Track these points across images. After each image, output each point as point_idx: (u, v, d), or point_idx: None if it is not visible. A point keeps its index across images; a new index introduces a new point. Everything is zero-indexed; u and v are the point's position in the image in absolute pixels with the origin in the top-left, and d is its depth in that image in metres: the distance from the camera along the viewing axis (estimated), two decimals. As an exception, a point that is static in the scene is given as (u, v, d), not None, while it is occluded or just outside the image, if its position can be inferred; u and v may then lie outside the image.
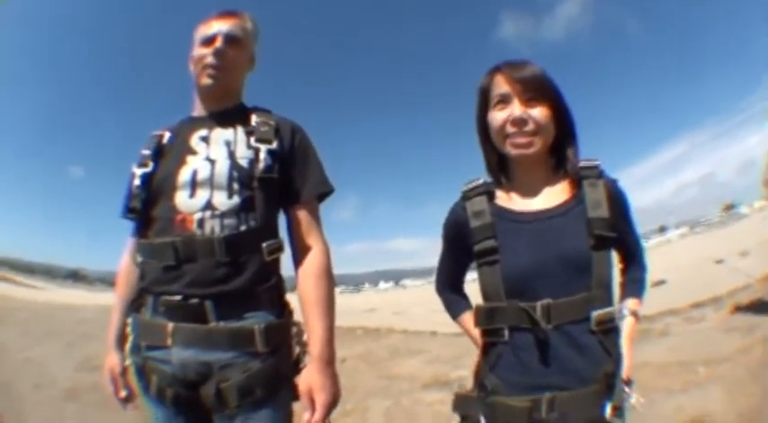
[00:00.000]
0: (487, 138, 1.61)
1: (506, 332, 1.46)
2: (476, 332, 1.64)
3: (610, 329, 1.44)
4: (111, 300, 1.91)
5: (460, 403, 1.58)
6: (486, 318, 1.51)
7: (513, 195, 1.60)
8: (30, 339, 10.30)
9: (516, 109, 1.49)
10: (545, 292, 1.42)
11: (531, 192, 1.58)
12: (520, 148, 1.50)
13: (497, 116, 1.53)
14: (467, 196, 1.61)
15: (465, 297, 1.84)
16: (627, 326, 1.59)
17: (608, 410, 1.38)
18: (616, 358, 1.44)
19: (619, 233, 1.51)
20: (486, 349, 1.54)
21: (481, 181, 1.63)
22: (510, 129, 1.50)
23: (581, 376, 1.38)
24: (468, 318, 1.74)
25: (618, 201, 1.55)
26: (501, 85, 1.53)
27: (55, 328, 12.27)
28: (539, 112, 1.49)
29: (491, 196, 1.59)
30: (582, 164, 1.56)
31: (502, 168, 1.63)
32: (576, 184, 1.55)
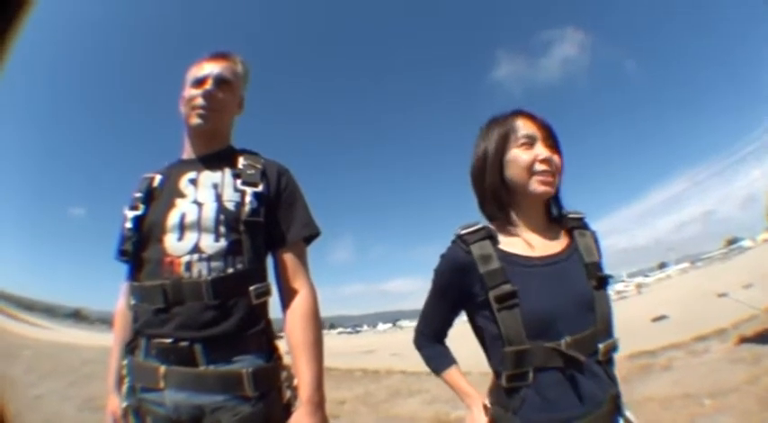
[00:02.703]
0: (500, 175, 1.62)
1: (531, 374, 1.46)
2: (465, 387, 1.66)
3: (610, 358, 1.54)
4: (111, 341, 1.89)
5: None
6: (514, 361, 1.47)
7: (516, 240, 1.60)
8: (35, 377, 10.35)
9: (543, 150, 1.57)
10: (565, 330, 1.45)
11: (532, 237, 1.61)
12: (546, 185, 1.56)
13: (523, 154, 1.58)
14: (468, 240, 1.55)
15: (449, 350, 1.78)
16: None
17: None
18: (616, 382, 1.53)
19: None
20: (506, 395, 1.49)
21: (481, 225, 1.59)
22: (539, 166, 1.56)
23: (596, 401, 1.44)
24: (454, 373, 1.71)
25: (600, 250, 1.66)
26: (528, 127, 1.60)
27: (59, 367, 12.33)
28: (557, 158, 1.59)
29: (494, 240, 1.57)
30: (571, 215, 1.67)
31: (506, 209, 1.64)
32: (568, 233, 1.65)
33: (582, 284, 1.53)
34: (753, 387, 4.77)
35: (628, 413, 1.53)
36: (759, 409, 4.17)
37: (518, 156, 1.58)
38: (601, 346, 1.49)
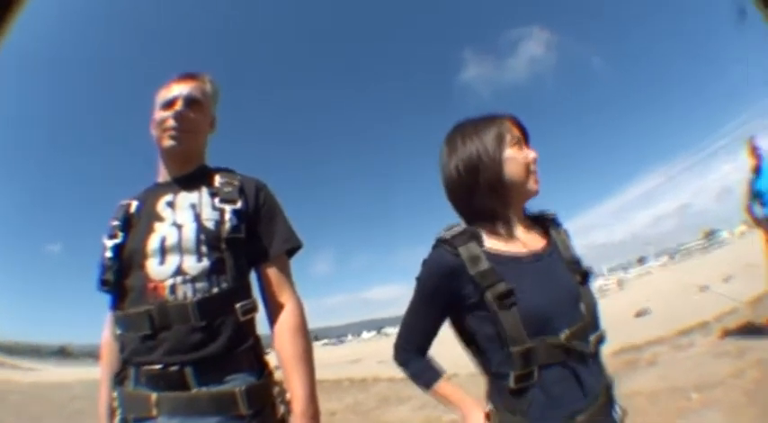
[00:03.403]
0: (500, 172, 1.63)
1: (536, 372, 1.46)
2: (461, 396, 1.62)
3: (598, 350, 1.58)
4: (99, 375, 1.86)
5: None
6: (523, 361, 1.46)
7: (500, 239, 1.61)
8: (25, 421, 10.12)
9: (532, 151, 1.67)
10: (561, 325, 1.48)
11: (515, 235, 1.63)
12: (538, 184, 1.65)
13: (519, 154, 1.64)
14: (454, 243, 1.54)
15: (433, 361, 1.73)
16: None
17: (617, 414, 1.56)
18: (606, 372, 1.60)
19: None
20: (513, 397, 1.49)
21: (464, 226, 1.60)
22: (533, 166, 1.65)
23: (594, 393, 1.48)
24: (445, 385, 1.67)
25: (572, 246, 1.72)
26: (514, 129, 1.67)
27: (49, 408, 12.00)
28: None
29: (479, 241, 1.56)
30: (545, 214, 1.76)
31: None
32: (544, 230, 1.72)
33: (568, 279, 1.58)
34: (738, 380, 4.81)
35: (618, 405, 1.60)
36: (746, 402, 4.22)
37: (515, 155, 1.63)
38: (591, 338, 1.53)
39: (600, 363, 1.59)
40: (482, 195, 1.62)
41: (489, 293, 1.47)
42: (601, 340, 1.58)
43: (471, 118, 1.75)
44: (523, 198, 1.68)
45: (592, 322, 1.56)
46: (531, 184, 1.64)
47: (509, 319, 1.46)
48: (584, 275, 1.62)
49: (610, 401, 1.55)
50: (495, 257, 1.53)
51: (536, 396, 1.46)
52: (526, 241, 1.63)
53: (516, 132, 1.67)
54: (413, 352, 1.72)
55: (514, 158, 1.62)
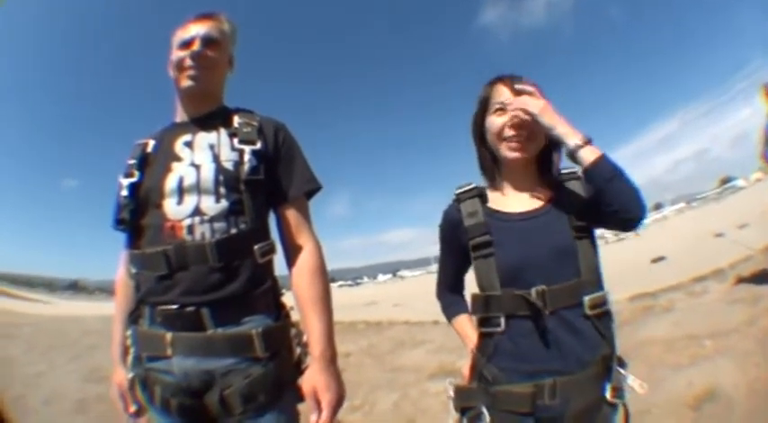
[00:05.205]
0: (483, 140, 1.75)
1: (503, 321, 1.54)
2: (469, 333, 1.73)
3: (603, 314, 1.54)
4: (112, 311, 1.88)
5: (461, 395, 1.62)
6: (482, 306, 1.57)
7: (503, 198, 1.72)
8: (36, 354, 10.27)
9: (508, 115, 1.61)
10: (538, 280, 1.51)
11: (518, 195, 1.71)
12: (515, 151, 1.62)
13: (496, 121, 1.65)
14: (460, 199, 1.73)
15: (464, 299, 1.86)
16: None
17: (608, 392, 1.49)
18: (611, 341, 1.53)
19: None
20: (482, 340, 1.59)
21: (473, 185, 1.74)
22: (508, 132, 1.62)
23: (579, 360, 1.48)
24: (462, 320, 1.81)
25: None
26: (502, 94, 1.66)
27: (60, 341, 12.23)
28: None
29: (483, 199, 1.69)
30: (564, 171, 1.72)
31: (495, 169, 1.74)
32: (559, 187, 1.69)
33: (562, 235, 1.57)
34: (751, 328, 4.85)
35: (630, 379, 1.54)
36: (758, 350, 4.26)
37: (491, 122, 1.67)
38: (586, 298, 1.50)
39: (603, 328, 1.52)
40: (481, 157, 1.79)
41: (471, 243, 1.63)
42: (602, 303, 1.53)
43: None
44: (508, 164, 1.69)
45: (590, 281, 1.53)
46: (505, 152, 1.65)
47: (484, 267, 1.60)
48: (584, 229, 1.57)
49: (604, 375, 1.50)
50: (490, 214, 1.67)
51: (502, 344, 1.54)
52: (529, 201, 1.68)
53: (502, 97, 1.65)
54: (445, 289, 1.93)
55: (489, 127, 1.69)
